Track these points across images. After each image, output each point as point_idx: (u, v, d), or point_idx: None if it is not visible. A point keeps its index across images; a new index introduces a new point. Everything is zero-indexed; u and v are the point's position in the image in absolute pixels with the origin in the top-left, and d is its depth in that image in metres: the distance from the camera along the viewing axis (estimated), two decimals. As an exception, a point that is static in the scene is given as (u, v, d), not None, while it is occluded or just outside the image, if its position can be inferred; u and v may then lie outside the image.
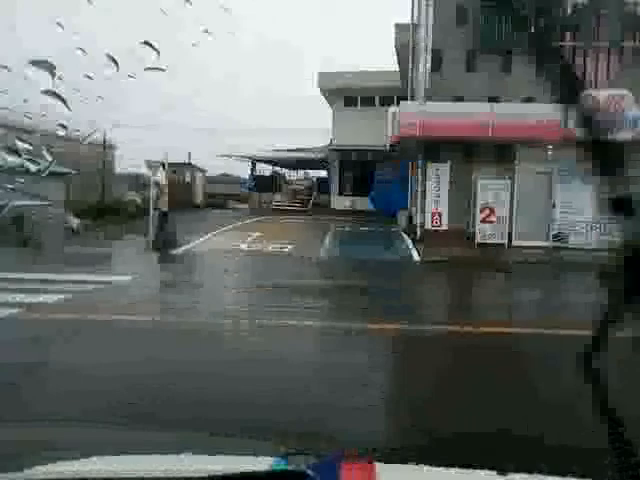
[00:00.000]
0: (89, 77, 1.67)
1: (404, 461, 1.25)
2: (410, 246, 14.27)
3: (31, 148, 1.66)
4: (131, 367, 4.83)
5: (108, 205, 20.83)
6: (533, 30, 1.32)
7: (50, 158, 1.84)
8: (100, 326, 6.36)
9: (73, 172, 16.43)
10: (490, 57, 14.98)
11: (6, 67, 1.52)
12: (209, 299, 8.55)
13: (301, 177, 35.59)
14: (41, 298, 7.47)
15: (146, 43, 1.55)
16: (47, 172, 1.80)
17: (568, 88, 1.23)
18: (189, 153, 31.45)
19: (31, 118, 1.64)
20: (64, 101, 1.50)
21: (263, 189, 30.44)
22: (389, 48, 33.59)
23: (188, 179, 28.41)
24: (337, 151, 27.24)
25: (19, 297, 7.49)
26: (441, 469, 1.25)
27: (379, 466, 1.21)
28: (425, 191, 15.25)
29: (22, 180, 2.01)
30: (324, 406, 4.02)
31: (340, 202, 27.31)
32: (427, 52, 15.29)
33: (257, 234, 16.10)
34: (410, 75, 17.23)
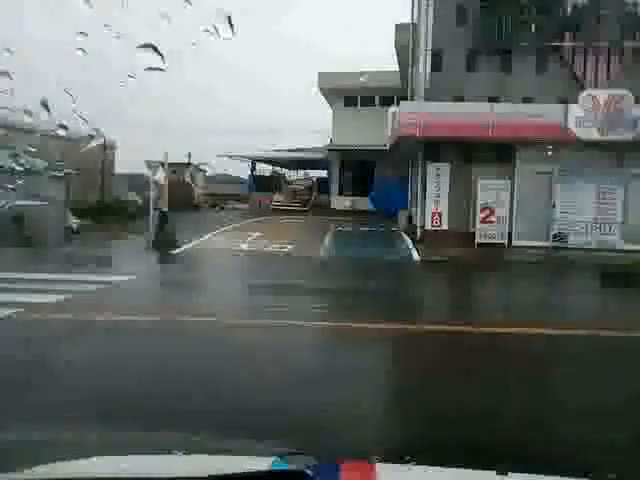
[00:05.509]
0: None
1: (404, 461, 1.25)
2: (410, 246, 14.26)
3: (31, 148, 1.66)
4: (133, 367, 4.83)
5: (108, 205, 20.81)
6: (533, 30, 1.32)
7: (48, 158, 1.84)
8: (101, 326, 6.36)
9: (73, 172, 16.42)
10: (490, 57, 14.97)
11: (6, 73, 1.52)
12: (209, 299, 8.54)
13: (301, 177, 35.56)
14: (41, 298, 7.46)
15: (147, 45, 1.55)
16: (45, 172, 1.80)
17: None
18: (189, 153, 31.46)
19: (31, 118, 1.64)
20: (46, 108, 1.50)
21: (263, 189, 30.41)
22: (389, 48, 33.54)
23: (188, 179, 28.38)
24: (337, 151, 27.22)
25: (19, 297, 7.48)
26: (441, 469, 1.25)
27: (379, 466, 1.21)
28: (425, 191, 15.25)
29: (22, 180, 2.01)
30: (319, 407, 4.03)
31: (340, 202, 27.29)
32: (427, 52, 15.28)
33: (257, 234, 16.09)
34: (410, 75, 17.22)
